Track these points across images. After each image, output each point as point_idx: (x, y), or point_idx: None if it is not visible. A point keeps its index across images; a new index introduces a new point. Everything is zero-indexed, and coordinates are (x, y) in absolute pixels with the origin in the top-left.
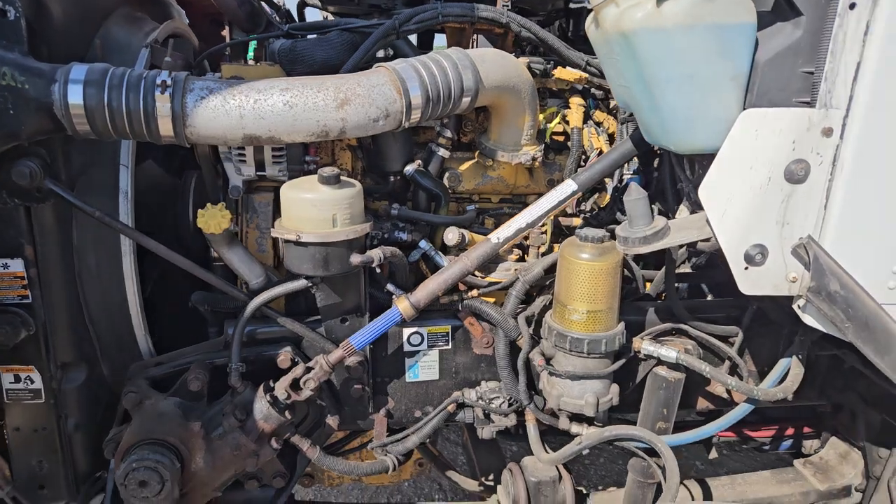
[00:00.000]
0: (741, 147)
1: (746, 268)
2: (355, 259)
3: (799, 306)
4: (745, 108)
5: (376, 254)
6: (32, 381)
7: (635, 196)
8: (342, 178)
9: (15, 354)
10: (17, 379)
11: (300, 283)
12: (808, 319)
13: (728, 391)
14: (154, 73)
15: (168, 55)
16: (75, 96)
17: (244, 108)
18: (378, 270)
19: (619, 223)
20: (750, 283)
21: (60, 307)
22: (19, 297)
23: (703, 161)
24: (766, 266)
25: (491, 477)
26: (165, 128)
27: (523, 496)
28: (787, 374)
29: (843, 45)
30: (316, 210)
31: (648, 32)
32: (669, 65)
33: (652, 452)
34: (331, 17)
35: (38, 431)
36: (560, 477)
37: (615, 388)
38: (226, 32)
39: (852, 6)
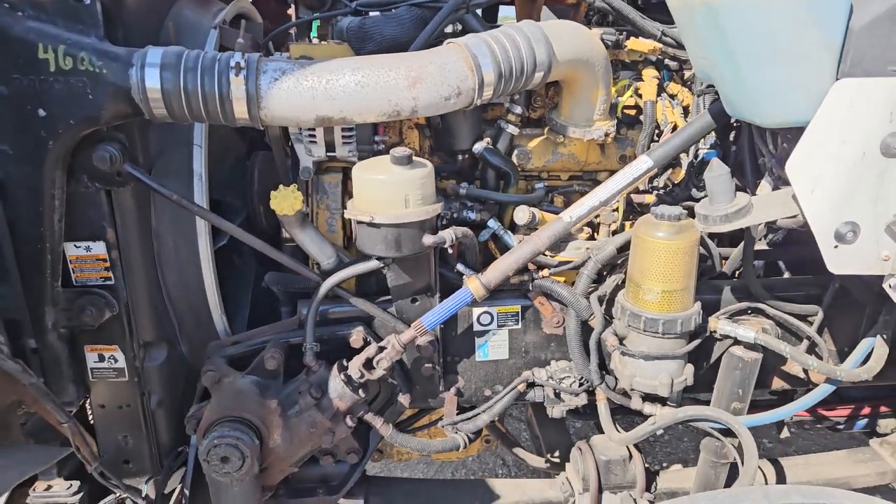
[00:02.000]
0: (833, 120)
1: (836, 246)
2: (428, 240)
3: (891, 285)
4: (838, 79)
5: (448, 234)
6: (116, 360)
7: (717, 172)
8: (414, 158)
9: (99, 334)
10: (102, 358)
11: (372, 264)
12: None
13: (805, 371)
14: (227, 56)
15: (240, 36)
16: (152, 80)
17: (316, 88)
18: (450, 251)
19: (694, 200)
20: (840, 261)
21: (141, 288)
22: (102, 279)
23: (788, 135)
24: (857, 244)
25: (557, 454)
26: (240, 110)
27: (593, 475)
28: (870, 355)
29: None
30: (389, 191)
31: (736, 1)
32: (758, 36)
33: (726, 432)
34: None
35: (123, 408)
36: (630, 456)
37: (690, 368)
38: (291, 11)
39: None
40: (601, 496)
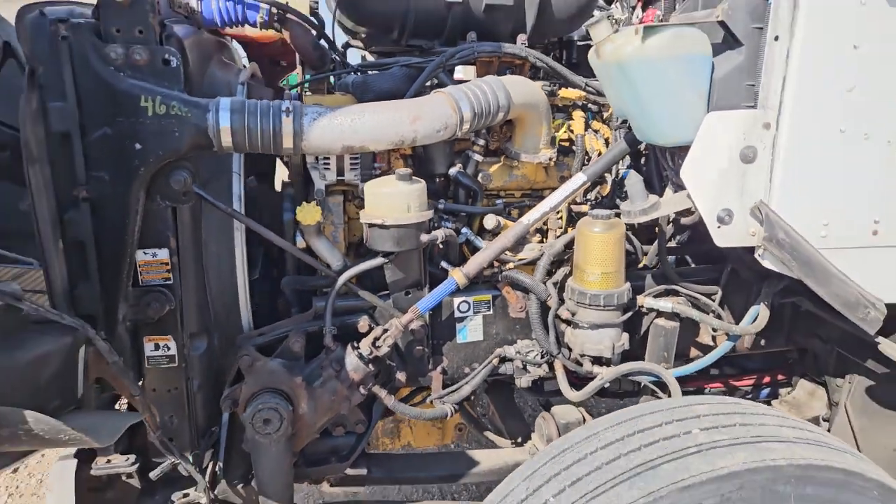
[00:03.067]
0: (708, 139)
1: (719, 227)
2: (425, 237)
3: (759, 255)
4: (708, 112)
5: (439, 233)
6: (169, 349)
7: (634, 179)
8: (411, 177)
9: (156, 327)
10: (157, 347)
11: (378, 261)
12: (767, 263)
13: (713, 339)
14: (278, 103)
15: (262, 91)
16: (224, 121)
17: (343, 125)
18: (440, 248)
19: (618, 208)
20: (722, 237)
21: (191, 288)
22: (163, 280)
23: (681, 153)
24: (732, 225)
25: (519, 440)
26: (287, 142)
27: (556, 435)
28: (757, 318)
29: (771, 66)
30: (395, 201)
31: (636, 62)
32: (653, 84)
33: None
34: (370, 57)
35: (171, 391)
36: (584, 419)
37: (625, 335)
38: (298, 70)
39: (776, 38)
40: None
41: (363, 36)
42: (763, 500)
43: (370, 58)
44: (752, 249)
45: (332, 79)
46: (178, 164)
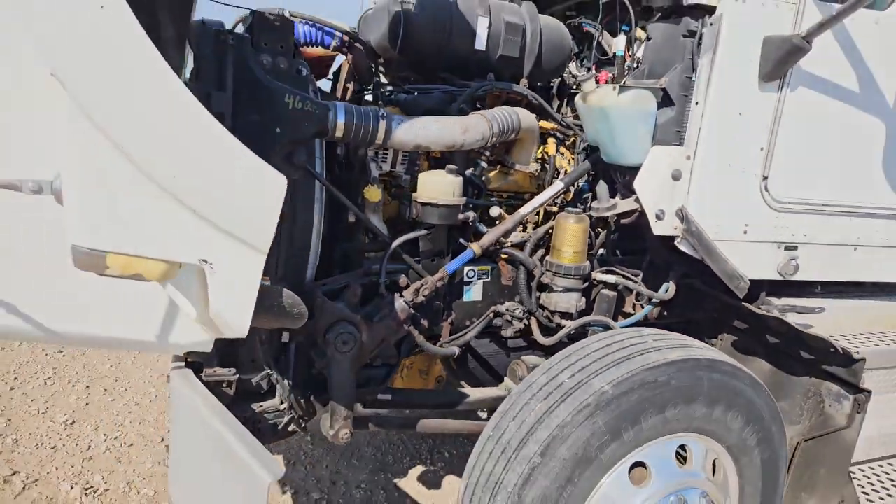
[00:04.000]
0: (652, 163)
1: (656, 221)
2: (462, 215)
3: (678, 242)
4: (653, 145)
5: (471, 214)
6: None
7: (602, 187)
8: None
9: None
10: None
11: (422, 232)
12: (682, 247)
13: (633, 307)
14: (376, 109)
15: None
16: (341, 118)
17: (418, 130)
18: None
19: (581, 208)
20: (658, 228)
21: (286, 241)
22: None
23: (631, 172)
24: (665, 220)
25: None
26: (380, 137)
27: (527, 374)
28: (668, 290)
29: (692, 120)
30: (445, 186)
31: (613, 108)
32: (622, 124)
33: None
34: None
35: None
36: None
37: (583, 298)
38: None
39: (696, 103)
40: None
41: (393, 62)
42: (690, 379)
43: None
44: (669, 239)
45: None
46: (300, 145)
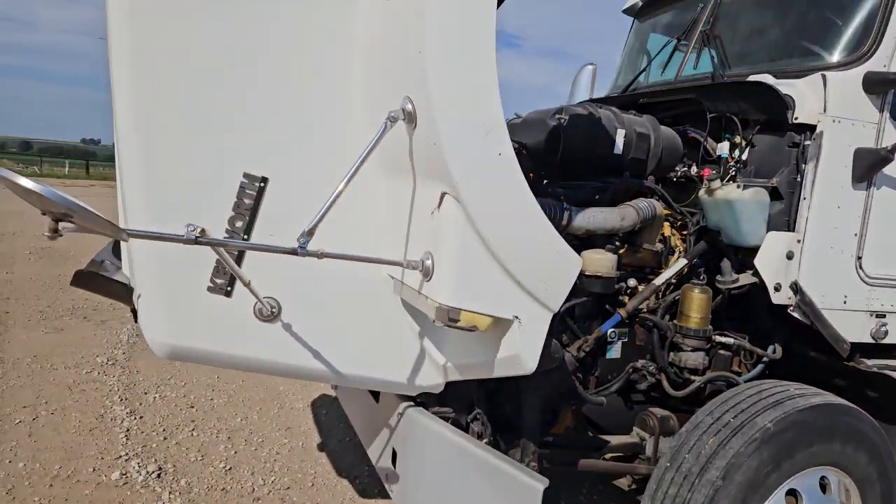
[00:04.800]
0: (769, 246)
1: (774, 292)
2: (617, 285)
3: (790, 310)
4: (767, 231)
5: (623, 285)
6: None
7: (727, 264)
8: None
9: None
10: None
11: (583, 299)
12: (796, 314)
13: (741, 364)
14: (560, 201)
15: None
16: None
17: (589, 217)
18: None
19: (700, 280)
20: (776, 298)
21: None
22: None
23: (746, 252)
24: (781, 292)
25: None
26: (564, 223)
27: (656, 424)
28: (776, 350)
29: (801, 211)
30: (607, 262)
31: (738, 201)
32: (744, 213)
33: None
34: None
35: None
36: (673, 415)
37: (707, 357)
38: None
39: (804, 198)
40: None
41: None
42: (829, 420)
43: None
44: (777, 307)
45: None
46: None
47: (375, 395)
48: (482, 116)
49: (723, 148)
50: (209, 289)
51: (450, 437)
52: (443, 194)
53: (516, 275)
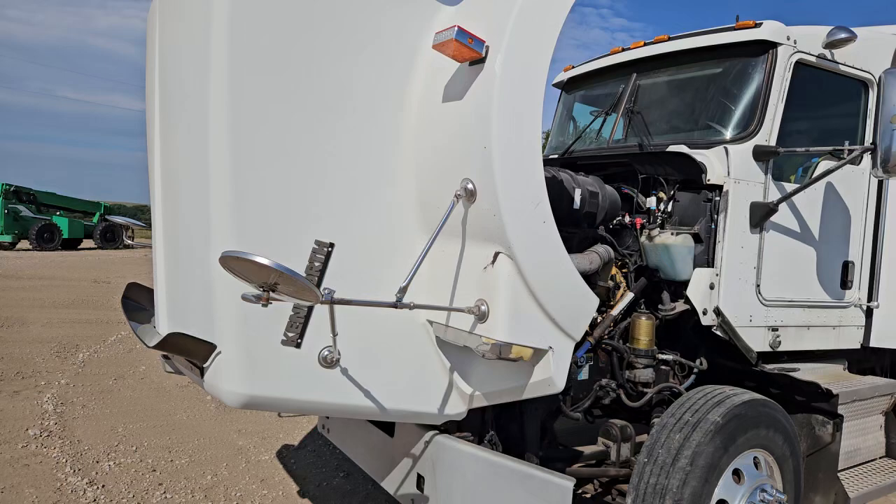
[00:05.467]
0: (697, 279)
1: (703, 315)
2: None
3: (714, 329)
4: (694, 268)
5: (597, 315)
6: None
7: (665, 295)
8: None
9: None
10: None
11: None
12: (719, 332)
13: (676, 377)
14: None
15: None
16: None
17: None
18: None
19: (646, 311)
20: (705, 321)
21: None
22: None
23: (680, 285)
24: (707, 315)
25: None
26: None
27: (617, 431)
28: (702, 363)
29: (717, 252)
30: None
31: (672, 245)
32: (676, 255)
33: None
34: None
35: None
36: (629, 424)
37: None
38: None
39: (719, 242)
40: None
41: None
42: (756, 411)
43: None
44: (703, 328)
45: None
46: None
47: (388, 429)
48: (532, 193)
49: (651, 202)
50: (283, 342)
51: (482, 455)
52: (496, 253)
53: (552, 313)
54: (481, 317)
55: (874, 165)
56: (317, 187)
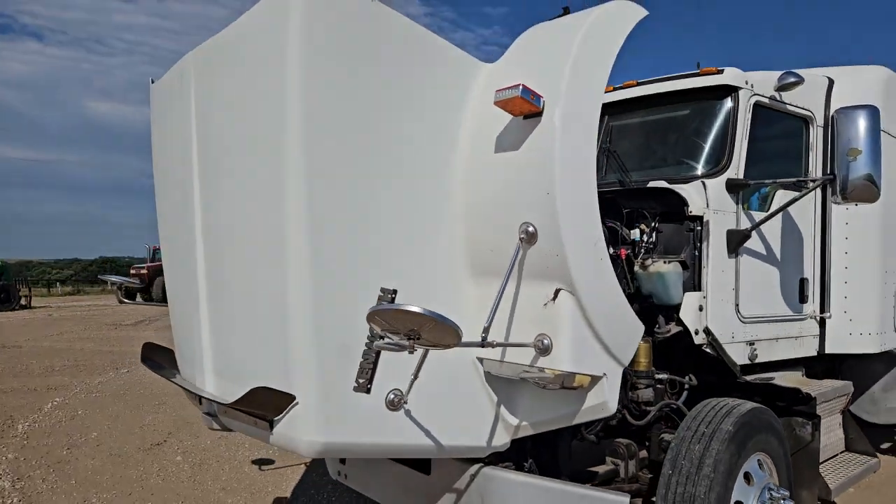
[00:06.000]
0: (687, 302)
1: (695, 335)
2: None
3: (704, 347)
4: (684, 293)
5: None
6: None
7: (661, 319)
8: None
9: None
10: None
11: None
12: (708, 350)
13: (668, 395)
14: None
15: None
16: None
17: None
18: None
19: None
20: (697, 340)
21: None
22: None
23: (675, 308)
24: (699, 335)
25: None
26: None
27: (624, 449)
28: (692, 379)
29: (703, 277)
30: None
31: (665, 272)
32: (669, 281)
33: None
34: None
35: None
36: (633, 442)
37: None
38: None
39: (704, 267)
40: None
41: None
42: (757, 419)
43: None
44: (693, 348)
45: None
46: None
47: (421, 467)
48: (591, 234)
49: (635, 234)
50: (354, 388)
51: (534, 482)
52: (557, 290)
53: (607, 342)
54: (544, 350)
55: (833, 193)
56: (378, 237)
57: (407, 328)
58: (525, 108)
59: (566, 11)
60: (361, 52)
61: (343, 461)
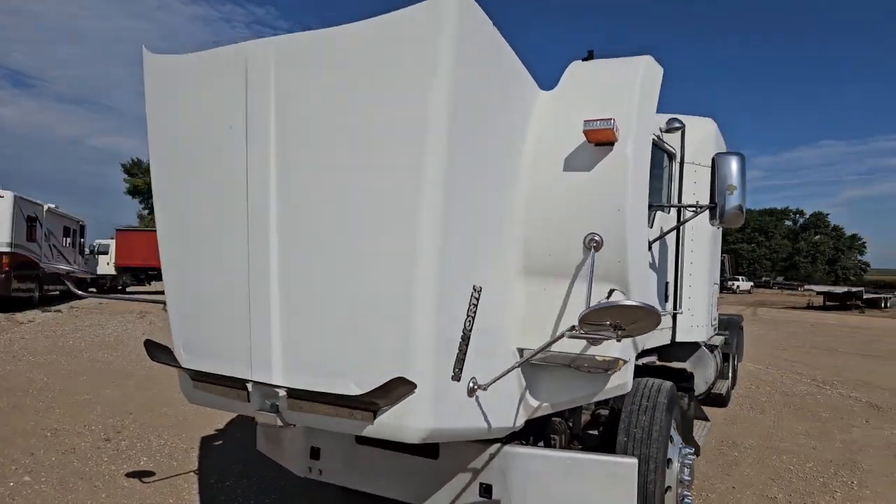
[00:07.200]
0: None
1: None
2: None
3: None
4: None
5: None
6: None
7: None
8: None
9: None
10: None
11: None
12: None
13: None
14: None
15: None
16: None
17: None
18: None
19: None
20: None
21: None
22: None
23: None
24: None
25: None
26: None
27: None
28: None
29: None
30: None
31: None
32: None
33: None
34: None
35: None
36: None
37: None
38: None
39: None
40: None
41: None
42: (673, 393)
43: None
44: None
45: None
46: None
47: (425, 453)
48: (645, 244)
49: None
50: (452, 377)
51: (554, 455)
52: (611, 290)
53: (639, 339)
54: (596, 341)
55: (712, 217)
56: (474, 236)
57: (615, 320)
58: (605, 137)
59: (591, 55)
60: (484, 66)
61: (316, 457)
